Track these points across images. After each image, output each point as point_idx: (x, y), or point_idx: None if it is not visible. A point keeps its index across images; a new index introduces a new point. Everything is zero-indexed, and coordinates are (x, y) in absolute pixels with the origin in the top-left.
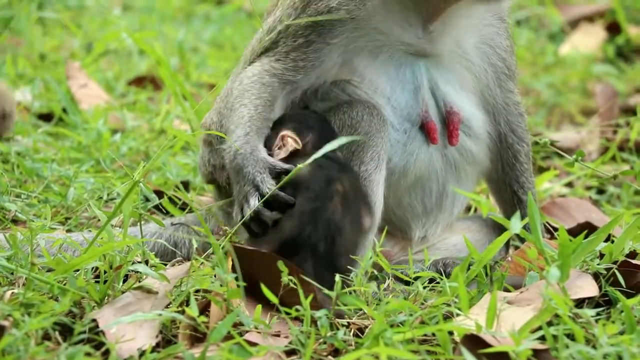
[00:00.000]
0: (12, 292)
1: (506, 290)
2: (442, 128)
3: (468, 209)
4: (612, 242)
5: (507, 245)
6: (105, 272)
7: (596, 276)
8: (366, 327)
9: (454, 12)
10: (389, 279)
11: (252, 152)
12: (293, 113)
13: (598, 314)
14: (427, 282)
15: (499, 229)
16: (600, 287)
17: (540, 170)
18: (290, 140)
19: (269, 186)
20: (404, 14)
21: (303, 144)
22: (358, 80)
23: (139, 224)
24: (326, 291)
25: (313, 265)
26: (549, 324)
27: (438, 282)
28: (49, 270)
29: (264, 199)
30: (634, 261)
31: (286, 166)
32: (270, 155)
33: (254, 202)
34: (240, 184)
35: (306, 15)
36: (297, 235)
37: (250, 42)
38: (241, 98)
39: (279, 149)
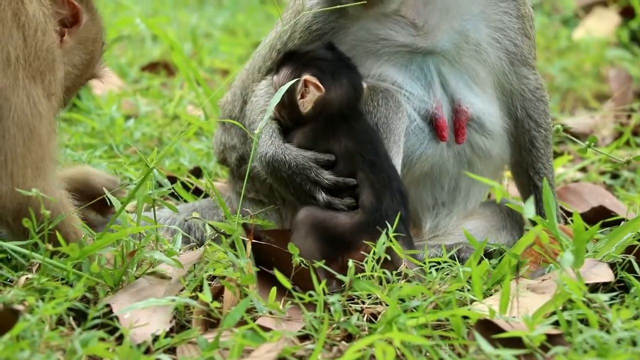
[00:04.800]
0: (27, 278)
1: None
2: (452, 125)
3: None
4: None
5: (520, 230)
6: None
7: (612, 263)
8: (379, 312)
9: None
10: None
11: (283, 152)
12: (318, 55)
13: (612, 299)
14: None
15: (515, 214)
16: (615, 274)
17: (554, 155)
18: (312, 88)
19: (327, 177)
20: (386, 13)
21: (326, 92)
22: (366, 74)
23: (152, 209)
24: (339, 276)
25: (404, 241)
26: (564, 309)
27: (452, 267)
28: (63, 255)
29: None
30: None
31: (326, 157)
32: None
33: (322, 197)
34: (293, 185)
35: (298, 32)
36: (380, 206)
37: (257, 52)
38: (256, 113)
39: (302, 97)
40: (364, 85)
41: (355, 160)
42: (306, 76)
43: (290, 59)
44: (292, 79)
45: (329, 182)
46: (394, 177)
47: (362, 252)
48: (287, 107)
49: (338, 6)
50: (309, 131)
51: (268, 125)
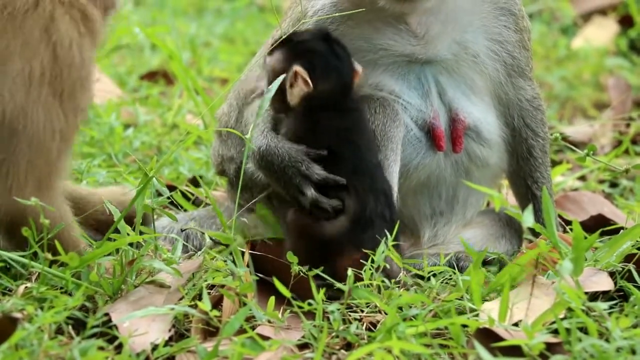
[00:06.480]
0: (26, 287)
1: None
2: (450, 134)
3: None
4: None
5: (519, 239)
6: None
7: (611, 271)
8: (378, 321)
9: (442, 9)
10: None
11: (276, 145)
12: (311, 47)
13: (611, 307)
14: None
15: (514, 223)
16: (615, 282)
17: (553, 163)
18: (300, 82)
19: (318, 172)
20: (387, 23)
21: (314, 88)
22: (363, 81)
23: (151, 218)
24: (339, 285)
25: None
26: (563, 318)
27: (451, 277)
28: (62, 264)
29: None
30: None
31: (318, 151)
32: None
33: (311, 192)
34: (284, 178)
35: None
36: (364, 211)
37: (254, 61)
38: (250, 112)
39: (291, 86)
40: (359, 70)
41: (337, 161)
42: (297, 68)
43: (285, 44)
44: (283, 64)
45: (318, 177)
46: (378, 177)
47: (351, 258)
48: (277, 93)
49: (357, 11)
50: (296, 125)
51: (261, 122)
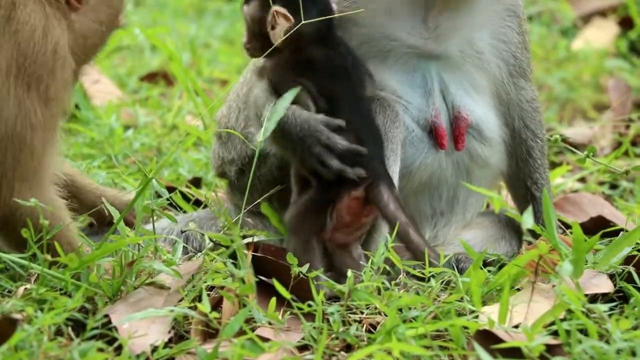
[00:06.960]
0: (25, 288)
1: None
2: (451, 133)
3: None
4: None
5: (519, 240)
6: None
7: (611, 273)
8: (378, 322)
9: (459, 6)
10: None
11: (293, 114)
12: None
13: (611, 309)
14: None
15: (514, 224)
16: (615, 284)
17: (553, 165)
18: (281, 19)
19: (340, 142)
20: (404, 13)
21: (296, 23)
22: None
23: (151, 220)
24: (339, 287)
25: (388, 184)
26: (563, 319)
27: (451, 279)
28: (61, 265)
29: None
30: None
31: (337, 121)
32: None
33: (335, 162)
34: (302, 148)
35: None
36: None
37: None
38: (263, 99)
39: (272, 28)
40: (335, 9)
41: (333, 100)
42: (276, 7)
43: None
44: (262, 9)
45: (342, 148)
46: (367, 115)
47: (352, 197)
48: (259, 38)
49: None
50: (281, 65)
51: (270, 100)
